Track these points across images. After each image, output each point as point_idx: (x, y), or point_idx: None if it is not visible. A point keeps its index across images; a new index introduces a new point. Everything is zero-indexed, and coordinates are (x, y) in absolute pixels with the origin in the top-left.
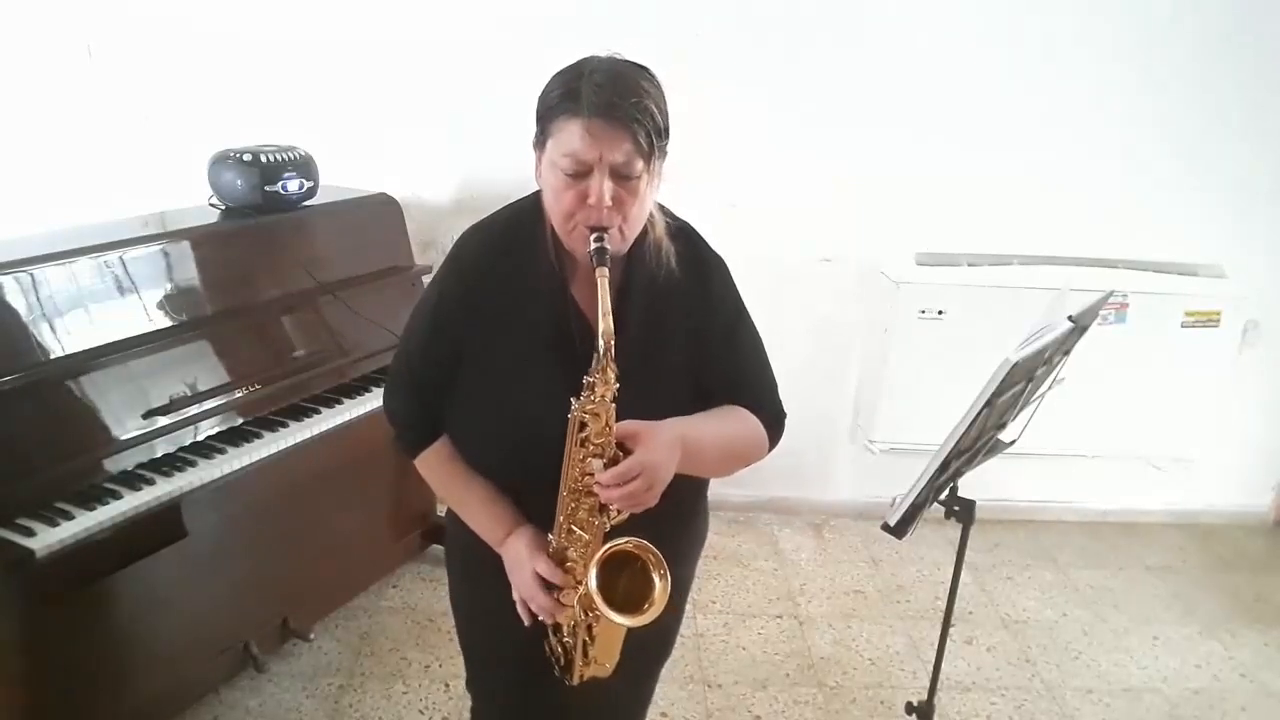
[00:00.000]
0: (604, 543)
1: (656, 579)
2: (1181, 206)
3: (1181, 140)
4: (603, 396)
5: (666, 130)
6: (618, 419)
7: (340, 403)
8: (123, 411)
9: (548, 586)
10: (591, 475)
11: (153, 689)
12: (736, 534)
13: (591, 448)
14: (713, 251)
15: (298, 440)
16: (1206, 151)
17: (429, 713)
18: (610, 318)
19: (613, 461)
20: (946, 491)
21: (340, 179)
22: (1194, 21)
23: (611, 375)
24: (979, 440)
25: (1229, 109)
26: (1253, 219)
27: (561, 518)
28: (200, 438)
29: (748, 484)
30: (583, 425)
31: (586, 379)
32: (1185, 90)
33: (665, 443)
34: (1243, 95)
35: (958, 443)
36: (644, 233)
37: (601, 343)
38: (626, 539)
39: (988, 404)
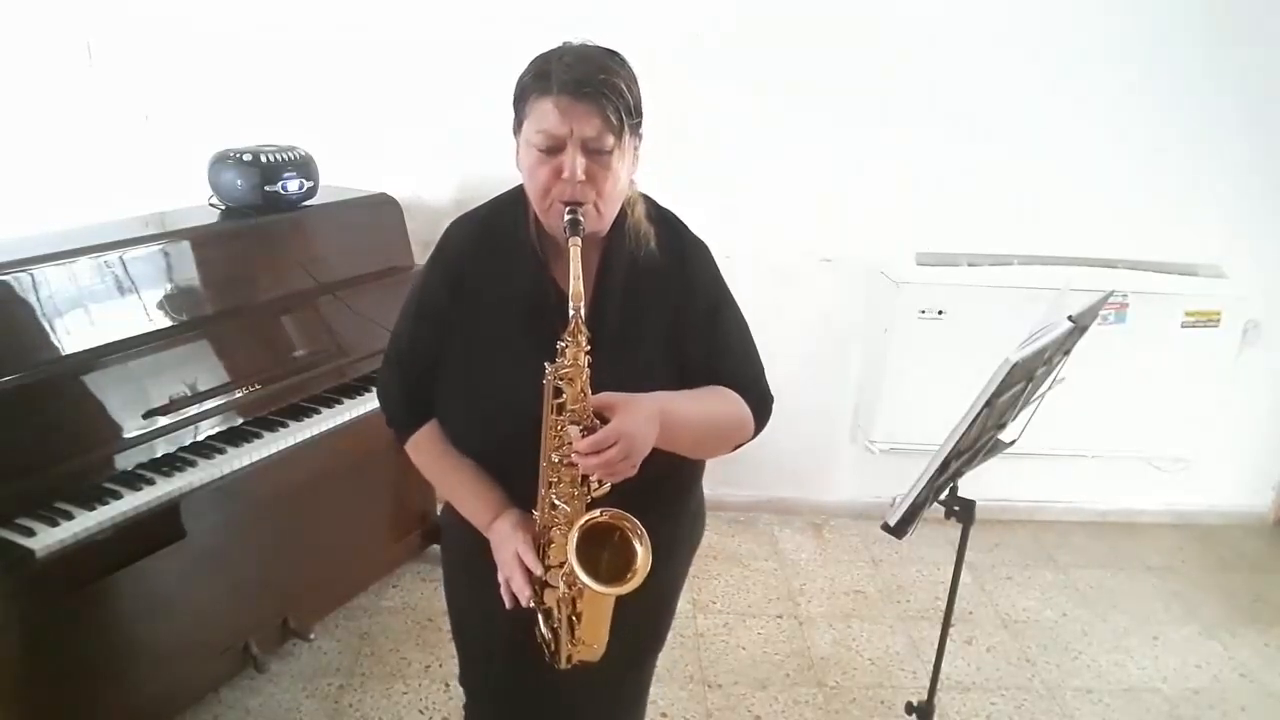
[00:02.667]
0: (585, 514)
1: (638, 546)
2: (1181, 206)
3: (1181, 140)
4: (575, 360)
5: (638, 109)
6: (599, 393)
7: (340, 403)
8: (123, 411)
9: (527, 569)
10: (569, 444)
11: (153, 689)
12: (736, 534)
13: (568, 415)
14: (694, 236)
15: (298, 440)
16: (1206, 152)
17: (429, 713)
18: (580, 282)
19: (590, 430)
20: (946, 491)
21: (340, 179)
22: (1194, 21)
23: (583, 339)
24: (979, 440)
25: (1229, 109)
26: (1253, 219)
27: (543, 491)
28: (200, 438)
29: (748, 484)
30: (558, 391)
31: (559, 344)
32: (1185, 90)
33: (643, 413)
34: (1242, 95)
35: (958, 443)
36: (623, 215)
37: (572, 306)
38: (604, 510)
39: (988, 404)
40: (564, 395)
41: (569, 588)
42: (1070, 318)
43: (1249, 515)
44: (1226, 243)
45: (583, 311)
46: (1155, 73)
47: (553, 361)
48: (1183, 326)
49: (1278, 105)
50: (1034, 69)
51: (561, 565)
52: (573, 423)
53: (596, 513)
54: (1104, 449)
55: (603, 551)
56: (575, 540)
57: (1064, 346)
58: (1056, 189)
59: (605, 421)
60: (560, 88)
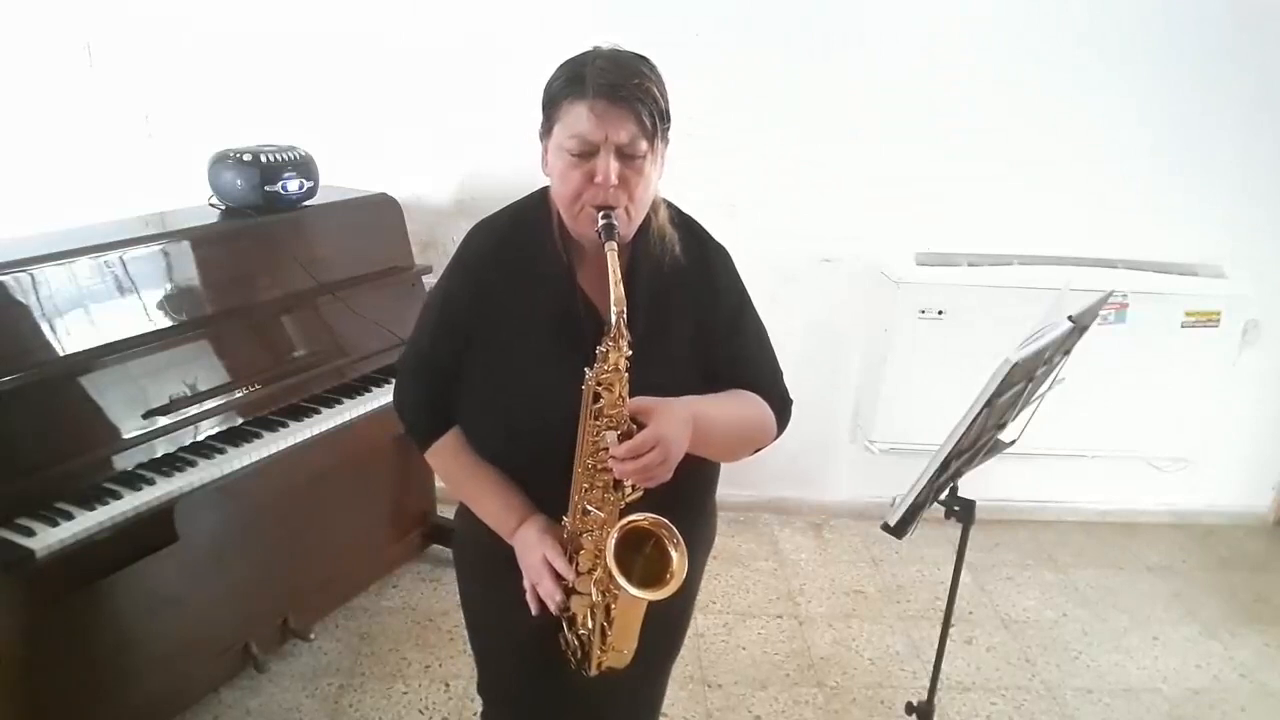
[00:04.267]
0: (619, 521)
1: (673, 552)
2: (1181, 206)
3: (1182, 140)
4: (616, 365)
5: (668, 114)
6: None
7: (340, 403)
8: (123, 411)
9: (556, 574)
10: (605, 450)
11: (153, 689)
12: (736, 534)
13: (606, 420)
14: (715, 241)
15: (298, 440)
16: (1206, 151)
17: (429, 713)
18: (621, 286)
19: (627, 435)
20: (946, 491)
21: (340, 179)
22: (1193, 21)
23: (624, 344)
24: (979, 440)
25: (1229, 109)
26: (1253, 219)
27: (576, 497)
28: (200, 438)
29: (748, 484)
30: (596, 396)
31: (599, 349)
32: (1185, 90)
33: (679, 417)
34: (1242, 95)
35: (958, 443)
36: (647, 220)
37: (614, 310)
38: (643, 515)
39: (988, 404)
40: (602, 400)
41: (603, 594)
42: (1070, 318)
43: (1249, 515)
44: (1226, 243)
45: (624, 316)
46: (1155, 73)
47: (583, 368)
48: (1183, 326)
49: (1278, 105)
50: (1034, 69)
51: (591, 572)
52: (609, 428)
53: (638, 517)
54: (1104, 449)
55: (636, 557)
56: (614, 542)
57: (1064, 346)
58: (1056, 189)
59: (641, 426)
60: (596, 92)
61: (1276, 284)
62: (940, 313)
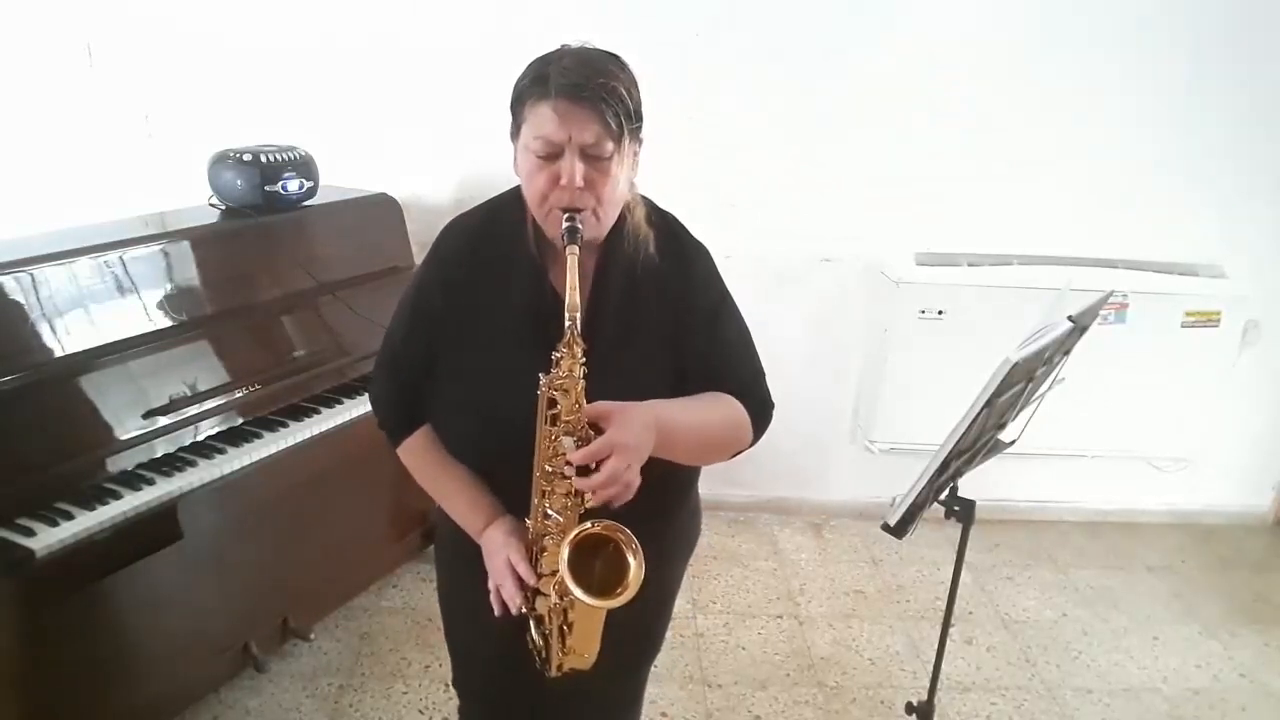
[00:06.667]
0: (578, 526)
1: (631, 560)
2: (1181, 206)
3: (1182, 140)
4: (570, 371)
5: (638, 114)
6: (594, 401)
7: (340, 403)
8: (123, 411)
9: (519, 577)
10: (563, 455)
11: (153, 689)
12: (736, 534)
13: (563, 425)
14: (694, 239)
15: (298, 440)
16: (1206, 151)
17: (429, 713)
18: (577, 292)
19: (585, 441)
20: (946, 491)
21: (340, 179)
22: (1194, 21)
23: (579, 350)
24: (979, 440)
25: (1229, 109)
26: (1252, 219)
27: (536, 500)
28: (200, 438)
29: (748, 484)
30: (552, 402)
31: (554, 355)
32: (1185, 90)
33: (638, 423)
34: (1242, 95)
35: (957, 443)
36: (622, 218)
37: (568, 316)
38: (596, 521)
39: (987, 404)
40: (558, 406)
41: (560, 598)
42: (1070, 318)
43: (1249, 515)
44: (1226, 243)
45: (578, 322)
46: (1155, 73)
47: (548, 371)
48: (1183, 326)
49: (1277, 104)
50: (1034, 69)
51: (554, 574)
52: (566, 434)
53: (589, 524)
54: (1104, 449)
55: (595, 561)
56: (567, 553)
57: (1064, 346)
58: (1056, 189)
59: (600, 432)
60: (558, 91)
61: (1276, 284)
62: (940, 313)
